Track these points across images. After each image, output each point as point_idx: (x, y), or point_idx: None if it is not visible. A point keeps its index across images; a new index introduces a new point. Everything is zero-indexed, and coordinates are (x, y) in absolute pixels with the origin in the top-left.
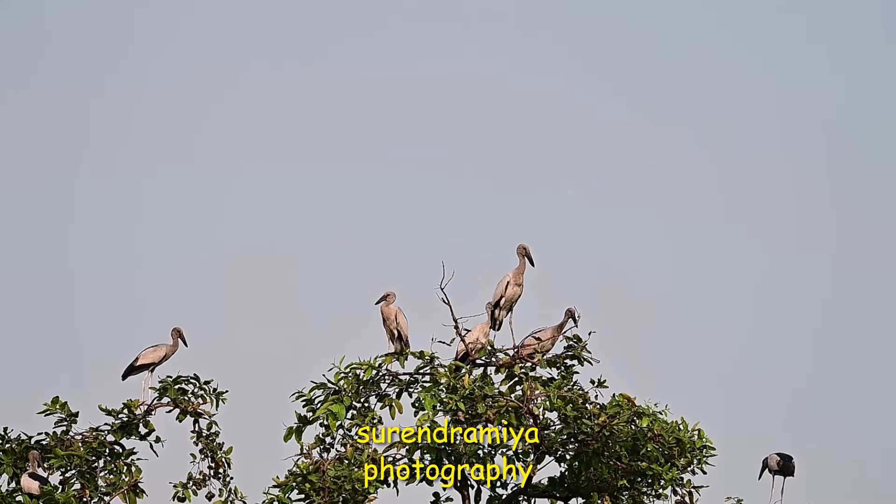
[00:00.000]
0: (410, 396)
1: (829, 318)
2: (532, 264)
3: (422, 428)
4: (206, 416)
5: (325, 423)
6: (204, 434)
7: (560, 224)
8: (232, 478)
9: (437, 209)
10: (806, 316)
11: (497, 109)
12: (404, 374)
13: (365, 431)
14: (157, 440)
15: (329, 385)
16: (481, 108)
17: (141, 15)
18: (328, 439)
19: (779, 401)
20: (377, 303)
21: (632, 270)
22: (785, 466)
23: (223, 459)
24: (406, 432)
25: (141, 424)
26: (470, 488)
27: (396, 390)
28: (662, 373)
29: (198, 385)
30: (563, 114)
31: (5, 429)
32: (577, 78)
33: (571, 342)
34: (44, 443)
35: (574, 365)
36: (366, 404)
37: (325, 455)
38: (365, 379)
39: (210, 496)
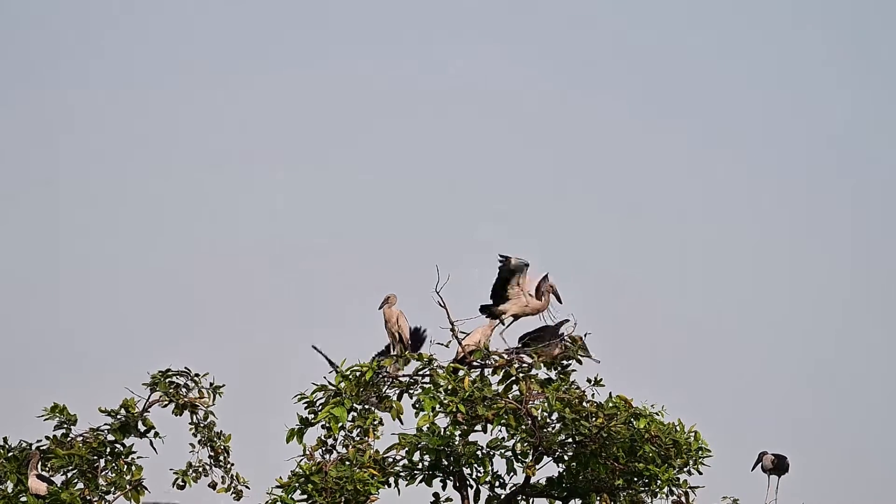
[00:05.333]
0: (411, 398)
1: (828, 319)
2: (560, 301)
3: (422, 430)
4: (202, 407)
5: (328, 425)
6: (202, 425)
7: (561, 225)
8: (233, 464)
9: (437, 207)
10: (805, 317)
11: (498, 110)
12: (404, 375)
13: (366, 434)
14: (157, 436)
15: (330, 387)
16: (483, 107)
17: (119, 15)
18: (330, 441)
19: (777, 401)
20: (380, 307)
21: (632, 271)
22: (779, 465)
23: (222, 447)
24: (404, 436)
25: (140, 422)
26: (469, 488)
27: (397, 392)
28: (661, 373)
29: (189, 377)
30: (565, 114)
31: (5, 438)
32: (578, 79)
33: (567, 343)
34: (44, 448)
35: (570, 364)
36: (366, 406)
37: (327, 456)
38: (365, 381)
39: (213, 485)
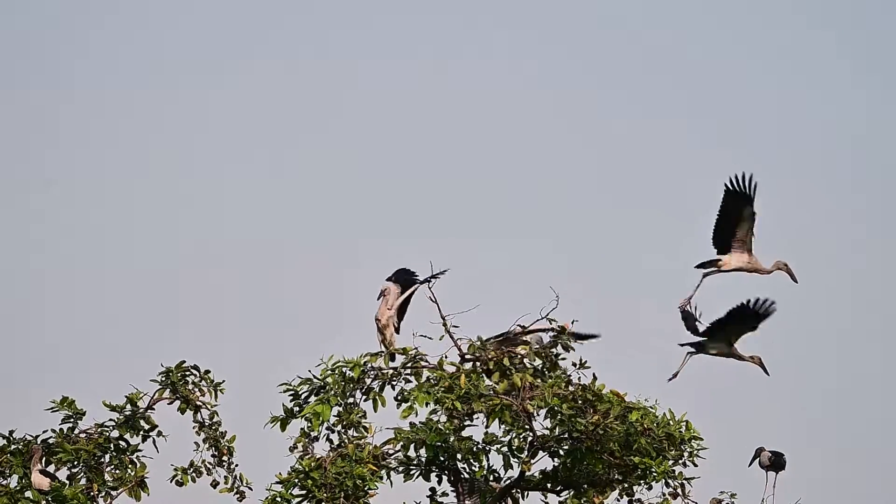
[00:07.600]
0: (393, 389)
1: (829, 317)
2: (795, 281)
3: (414, 426)
4: (207, 407)
5: (310, 419)
6: (206, 424)
7: (561, 217)
8: (237, 465)
9: (437, 206)
10: (805, 314)
11: (500, 111)
12: (390, 368)
13: (355, 428)
14: (160, 434)
15: (315, 380)
16: (486, 105)
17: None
18: (313, 433)
19: (776, 397)
20: (378, 298)
21: (633, 263)
22: (776, 462)
23: (226, 447)
24: (399, 431)
25: (142, 420)
26: (464, 483)
27: (380, 384)
28: (659, 367)
29: (199, 375)
30: (566, 111)
31: (11, 431)
32: (580, 78)
33: (557, 332)
34: (50, 441)
35: (560, 354)
36: (351, 400)
37: (311, 447)
38: (352, 377)
39: (215, 483)
